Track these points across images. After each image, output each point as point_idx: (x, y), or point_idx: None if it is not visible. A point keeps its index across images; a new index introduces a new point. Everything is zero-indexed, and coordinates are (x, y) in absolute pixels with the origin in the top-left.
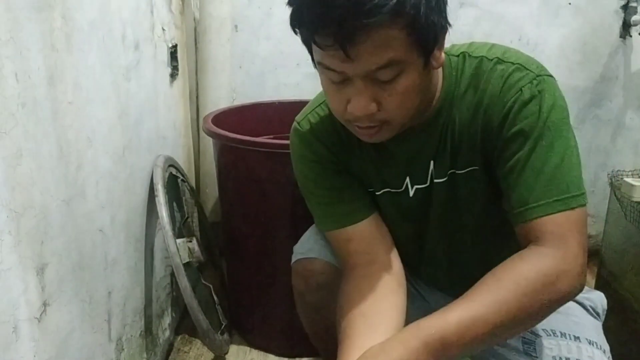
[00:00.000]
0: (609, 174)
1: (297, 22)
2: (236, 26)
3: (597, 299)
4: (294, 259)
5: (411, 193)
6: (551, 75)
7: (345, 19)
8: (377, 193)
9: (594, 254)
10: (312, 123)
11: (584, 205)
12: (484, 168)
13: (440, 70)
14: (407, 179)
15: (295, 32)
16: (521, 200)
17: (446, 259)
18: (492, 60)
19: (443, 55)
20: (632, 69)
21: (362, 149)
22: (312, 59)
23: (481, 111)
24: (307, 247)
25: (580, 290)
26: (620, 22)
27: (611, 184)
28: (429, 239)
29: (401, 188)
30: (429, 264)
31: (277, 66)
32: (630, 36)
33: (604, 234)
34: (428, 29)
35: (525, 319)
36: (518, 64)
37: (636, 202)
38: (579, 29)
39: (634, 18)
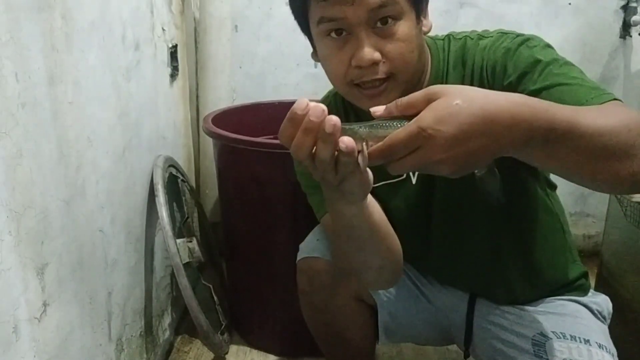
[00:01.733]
0: None
1: None
2: (236, 26)
3: (603, 302)
4: (299, 257)
5: (414, 180)
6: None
7: None
8: (374, 185)
9: (593, 254)
10: None
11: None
12: None
13: (427, 51)
14: None
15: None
16: (572, 106)
17: (454, 247)
18: (474, 37)
19: (430, 23)
20: (632, 69)
21: None
22: (313, 48)
23: (471, 82)
24: (312, 246)
25: None
26: (620, 22)
27: None
28: (435, 227)
29: (402, 176)
30: (437, 256)
31: (277, 66)
32: (630, 36)
33: (604, 234)
34: None
35: (623, 156)
36: (499, 33)
37: (636, 202)
38: (579, 29)
39: (634, 18)
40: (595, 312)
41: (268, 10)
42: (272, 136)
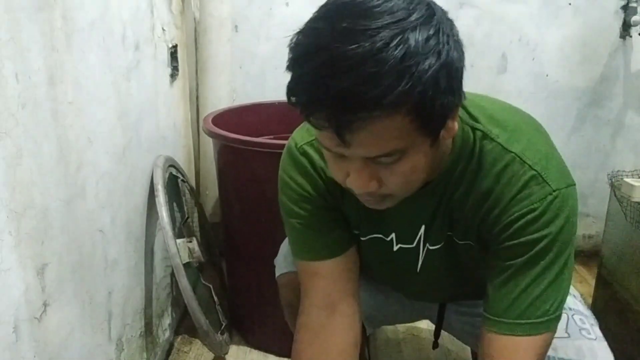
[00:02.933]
0: (608, 174)
1: (292, 98)
2: (236, 26)
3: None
4: (277, 273)
5: (395, 248)
6: (571, 185)
7: (342, 108)
8: (362, 238)
9: (594, 254)
10: (311, 153)
11: (554, 329)
12: (480, 247)
13: (449, 144)
14: (393, 235)
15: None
16: (497, 308)
17: (436, 298)
18: (510, 153)
19: (456, 125)
20: (632, 69)
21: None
22: None
23: (485, 206)
24: (289, 260)
25: None
26: (620, 23)
27: (611, 184)
28: (416, 284)
29: (387, 238)
30: (416, 297)
31: (277, 66)
32: (630, 36)
33: (604, 234)
34: (436, 113)
35: None
36: (536, 171)
37: (636, 202)
38: (579, 30)
39: (634, 18)
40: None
41: (268, 11)
42: (272, 136)
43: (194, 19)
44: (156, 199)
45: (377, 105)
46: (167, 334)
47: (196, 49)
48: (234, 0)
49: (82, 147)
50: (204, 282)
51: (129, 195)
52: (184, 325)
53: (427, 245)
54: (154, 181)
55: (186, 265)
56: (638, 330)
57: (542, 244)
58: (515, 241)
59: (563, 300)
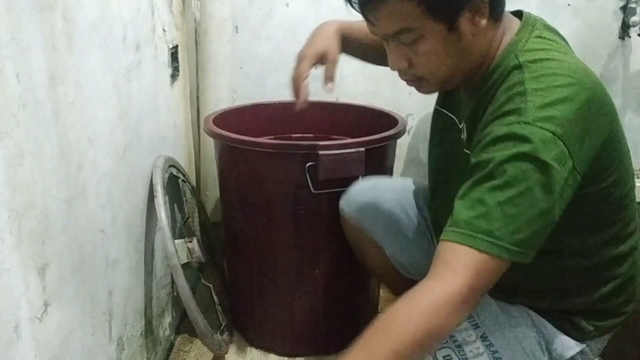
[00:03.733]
0: None
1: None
2: (237, 27)
3: (564, 347)
4: (345, 209)
5: (458, 130)
6: (547, 129)
7: None
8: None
9: None
10: None
11: (500, 259)
12: None
13: (496, 50)
14: (456, 119)
15: None
16: (450, 220)
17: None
18: (522, 72)
19: (483, 22)
20: (631, 70)
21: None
22: None
23: (482, 121)
24: (357, 205)
25: (460, 319)
26: (619, 23)
27: None
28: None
29: (456, 122)
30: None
31: (277, 67)
32: (629, 37)
33: None
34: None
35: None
36: (525, 104)
37: (636, 202)
38: (577, 30)
39: (633, 19)
40: (543, 339)
41: (268, 11)
42: (272, 136)
43: (195, 19)
44: (155, 200)
45: None
46: (168, 333)
47: (197, 49)
48: (234, 1)
49: (83, 148)
50: (204, 282)
51: (130, 195)
52: (185, 325)
53: (465, 146)
54: (153, 182)
55: (185, 266)
56: (638, 330)
57: (491, 166)
58: (476, 159)
59: (516, 233)
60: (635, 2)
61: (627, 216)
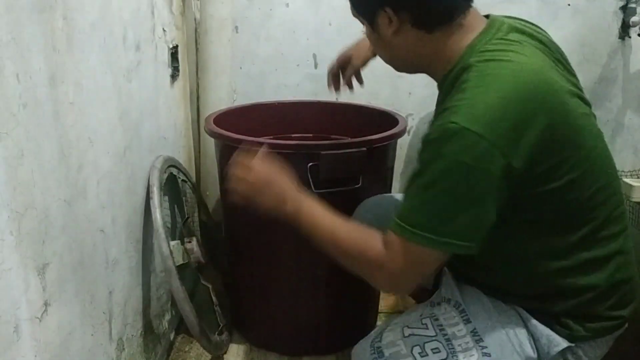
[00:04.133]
0: None
1: None
2: (236, 27)
3: (549, 342)
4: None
5: None
6: (467, 128)
7: None
8: None
9: None
10: None
11: (424, 248)
12: None
13: (452, 55)
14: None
15: None
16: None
17: None
18: (470, 71)
19: (389, 29)
20: (631, 70)
21: None
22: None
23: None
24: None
25: (389, 291)
26: (619, 23)
27: None
28: None
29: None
30: None
31: (277, 67)
32: (629, 37)
33: None
34: (357, 7)
35: (336, 255)
36: (457, 104)
37: (635, 202)
38: (578, 30)
39: (633, 19)
40: (531, 336)
41: (268, 11)
42: (272, 136)
43: (195, 19)
44: (151, 202)
45: None
46: (168, 333)
47: (197, 49)
48: (234, 1)
49: (83, 148)
50: (203, 282)
51: (130, 195)
52: (185, 325)
53: None
54: (150, 182)
55: (183, 266)
56: (638, 331)
57: (420, 165)
58: (418, 153)
59: (441, 226)
60: (635, 2)
61: (598, 218)
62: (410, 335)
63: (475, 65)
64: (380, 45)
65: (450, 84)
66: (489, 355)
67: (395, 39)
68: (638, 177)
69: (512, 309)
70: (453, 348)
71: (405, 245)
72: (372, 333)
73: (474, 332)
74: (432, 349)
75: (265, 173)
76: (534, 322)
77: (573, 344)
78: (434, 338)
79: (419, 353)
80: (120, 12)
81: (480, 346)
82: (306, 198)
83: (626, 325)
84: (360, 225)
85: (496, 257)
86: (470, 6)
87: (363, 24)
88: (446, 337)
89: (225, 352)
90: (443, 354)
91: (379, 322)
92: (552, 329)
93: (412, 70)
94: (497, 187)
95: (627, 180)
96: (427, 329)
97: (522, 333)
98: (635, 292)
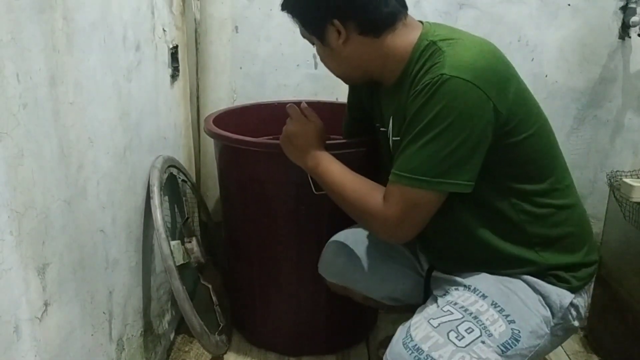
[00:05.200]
0: (607, 175)
1: None
2: (236, 27)
3: (557, 296)
4: (326, 277)
5: (380, 134)
6: (461, 78)
7: None
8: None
9: None
10: None
11: (421, 191)
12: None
13: (404, 49)
14: (380, 124)
15: None
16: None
17: None
18: (439, 50)
19: (334, 42)
20: (631, 70)
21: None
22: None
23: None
24: (334, 270)
25: (387, 240)
26: (619, 23)
27: (610, 185)
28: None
29: (380, 126)
30: None
31: (277, 67)
32: (629, 37)
33: (603, 234)
34: (305, 24)
35: (343, 206)
36: (442, 59)
37: (635, 202)
38: (578, 30)
39: (633, 19)
40: (542, 296)
41: (268, 12)
42: (272, 136)
43: (195, 19)
44: (151, 202)
45: (284, 8)
46: (168, 333)
47: (197, 49)
48: (234, 1)
49: (83, 148)
50: (203, 282)
51: (130, 195)
52: (185, 325)
53: (391, 136)
54: (150, 182)
55: (183, 266)
56: (638, 330)
57: (417, 117)
58: (409, 116)
59: (435, 167)
60: (635, 2)
61: (557, 168)
62: (439, 324)
63: (440, 41)
64: (332, 58)
65: (418, 67)
66: (513, 322)
67: (345, 49)
68: (638, 177)
69: (516, 278)
70: (483, 323)
71: (402, 192)
72: (397, 337)
73: (494, 304)
74: (465, 330)
75: (297, 128)
76: (541, 282)
77: (574, 296)
78: (463, 319)
79: (456, 337)
80: (120, 12)
81: (504, 315)
82: (326, 156)
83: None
84: (368, 180)
85: (476, 209)
86: (406, 9)
87: (313, 44)
88: (472, 315)
89: (225, 352)
90: (477, 332)
91: (379, 322)
92: (555, 286)
93: (363, 78)
94: (485, 129)
95: (627, 180)
96: (452, 313)
97: (533, 296)
98: (594, 239)
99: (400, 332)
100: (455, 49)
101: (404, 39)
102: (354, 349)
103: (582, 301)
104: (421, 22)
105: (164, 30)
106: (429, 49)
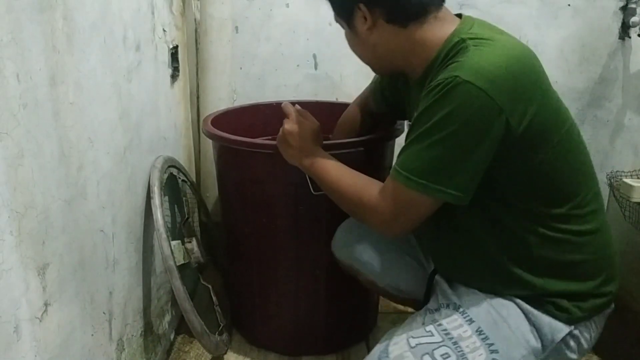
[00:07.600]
0: (607, 175)
1: None
2: (237, 27)
3: (549, 328)
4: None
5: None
6: (472, 83)
7: None
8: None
9: None
10: None
11: (415, 191)
12: None
13: (434, 43)
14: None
15: None
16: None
17: None
18: (465, 42)
19: (363, 28)
20: (631, 70)
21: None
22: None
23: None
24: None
25: (383, 233)
26: (619, 24)
27: (610, 185)
28: None
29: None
30: None
31: (277, 67)
32: (629, 37)
33: None
34: (337, 9)
35: (339, 202)
36: (460, 60)
37: (635, 202)
38: (578, 30)
39: (633, 19)
40: (534, 327)
41: (268, 12)
42: (272, 137)
43: (195, 20)
44: (152, 201)
45: None
46: (168, 333)
47: (197, 49)
48: (234, 1)
49: (83, 148)
50: (203, 282)
51: (130, 195)
52: (185, 325)
53: None
54: (150, 182)
55: (183, 266)
56: (638, 330)
57: (425, 115)
58: (419, 110)
59: (434, 173)
60: (635, 2)
61: (580, 194)
62: (417, 345)
63: (470, 39)
64: (359, 44)
65: (439, 66)
66: (496, 351)
67: (371, 36)
68: (638, 177)
69: (511, 302)
70: (462, 350)
71: (399, 190)
72: (376, 350)
73: (479, 331)
74: (441, 355)
75: (293, 127)
76: (535, 312)
77: (572, 327)
78: (441, 344)
79: None
80: (121, 12)
81: (487, 344)
82: (321, 154)
83: (614, 303)
84: (364, 175)
85: (485, 224)
86: (442, 2)
87: (344, 28)
88: (453, 340)
89: (225, 352)
90: (453, 358)
91: (379, 322)
92: (552, 316)
93: (391, 69)
94: (492, 142)
95: (627, 180)
96: (433, 335)
97: (524, 325)
98: (617, 269)
99: (381, 344)
100: (481, 51)
101: (435, 32)
102: (354, 349)
103: (586, 333)
104: (459, 16)
105: (164, 31)
106: (457, 46)
